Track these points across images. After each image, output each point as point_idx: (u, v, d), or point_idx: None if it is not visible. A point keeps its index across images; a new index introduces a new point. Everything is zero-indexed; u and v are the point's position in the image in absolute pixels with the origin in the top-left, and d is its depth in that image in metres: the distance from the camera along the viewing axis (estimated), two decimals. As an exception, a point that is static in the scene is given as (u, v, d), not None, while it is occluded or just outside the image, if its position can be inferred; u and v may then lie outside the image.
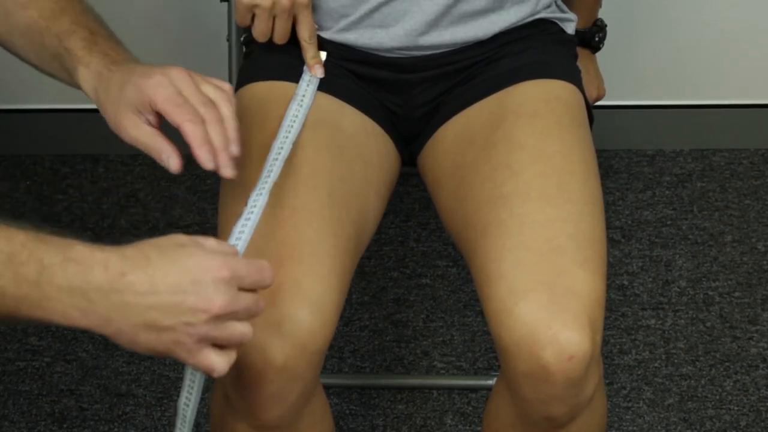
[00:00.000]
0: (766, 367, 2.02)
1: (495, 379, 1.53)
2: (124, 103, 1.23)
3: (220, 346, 1.09)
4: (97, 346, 2.05)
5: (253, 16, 1.48)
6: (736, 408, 1.97)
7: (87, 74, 1.26)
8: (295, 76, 1.52)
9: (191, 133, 1.21)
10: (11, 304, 1.05)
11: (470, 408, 1.97)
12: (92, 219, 2.28)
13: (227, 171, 1.23)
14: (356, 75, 1.55)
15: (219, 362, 1.09)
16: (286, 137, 1.42)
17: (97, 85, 1.26)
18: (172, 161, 1.23)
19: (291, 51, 1.53)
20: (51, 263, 1.04)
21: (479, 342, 2.06)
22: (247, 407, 1.35)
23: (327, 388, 1.74)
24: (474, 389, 2.00)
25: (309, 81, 1.51)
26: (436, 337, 2.07)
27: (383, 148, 1.55)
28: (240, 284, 1.09)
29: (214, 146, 1.22)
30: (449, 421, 1.95)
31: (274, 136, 1.44)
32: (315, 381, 1.39)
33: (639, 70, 2.35)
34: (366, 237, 1.49)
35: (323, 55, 1.54)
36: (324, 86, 1.52)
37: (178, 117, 1.21)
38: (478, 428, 1.94)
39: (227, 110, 1.24)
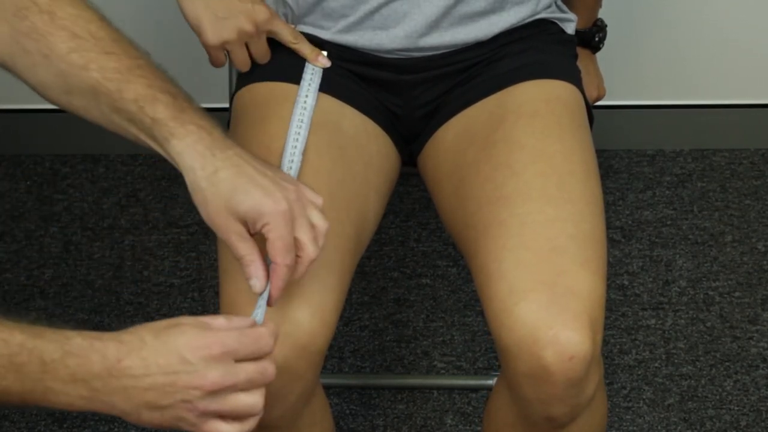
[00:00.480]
0: (766, 367, 2.02)
1: (495, 379, 1.53)
2: (234, 210, 1.21)
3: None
4: (97, 346, 2.05)
5: (228, 52, 1.50)
6: (736, 408, 1.97)
7: (183, 148, 1.22)
8: (295, 76, 1.52)
9: (283, 277, 1.22)
10: (17, 400, 1.09)
11: (470, 408, 1.97)
12: (92, 219, 2.28)
13: (270, 303, 1.24)
14: (356, 75, 1.55)
15: (228, 431, 1.11)
16: (295, 145, 1.42)
17: (198, 167, 1.22)
18: (255, 284, 1.22)
19: (291, 51, 1.53)
20: (51, 359, 1.07)
21: (479, 342, 2.06)
22: (247, 407, 1.35)
23: (327, 388, 1.74)
24: (474, 389, 2.00)
25: (311, 80, 1.51)
26: (436, 337, 2.07)
27: (383, 149, 1.55)
28: (235, 357, 1.10)
29: (276, 285, 1.22)
30: (449, 421, 1.95)
31: (274, 137, 1.44)
32: (315, 381, 1.39)
33: (639, 70, 2.35)
34: (366, 237, 1.49)
35: (323, 53, 1.54)
36: (324, 87, 1.52)
37: (279, 258, 1.21)
38: (478, 428, 1.94)
39: (321, 243, 1.24)
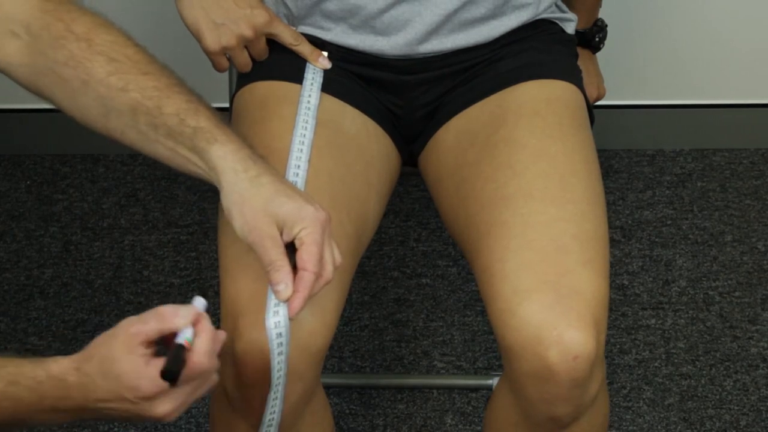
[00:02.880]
0: (766, 367, 2.02)
1: (495, 379, 1.53)
2: (273, 213, 1.23)
3: None
4: (97, 345, 2.05)
5: (228, 57, 1.50)
6: (736, 408, 1.97)
7: (227, 152, 1.25)
8: (295, 75, 1.52)
9: (309, 286, 1.23)
10: (8, 426, 1.19)
11: (470, 408, 1.97)
12: (92, 219, 2.28)
13: (291, 313, 1.24)
14: (357, 76, 1.55)
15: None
16: (301, 149, 1.42)
17: (241, 170, 1.25)
18: (283, 288, 1.23)
19: (291, 50, 1.53)
20: (32, 401, 1.15)
21: (479, 342, 2.06)
22: (247, 407, 1.35)
23: (327, 388, 1.74)
24: (474, 389, 2.00)
25: (312, 80, 1.51)
26: (436, 336, 2.07)
27: (384, 149, 1.55)
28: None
29: (302, 294, 1.23)
30: (449, 421, 1.95)
31: (275, 136, 1.44)
32: (315, 381, 1.39)
33: (639, 70, 2.35)
34: (366, 237, 1.49)
35: (324, 53, 1.54)
36: (325, 87, 1.52)
37: (310, 265, 1.22)
38: (479, 428, 1.94)
39: (339, 261, 1.26)
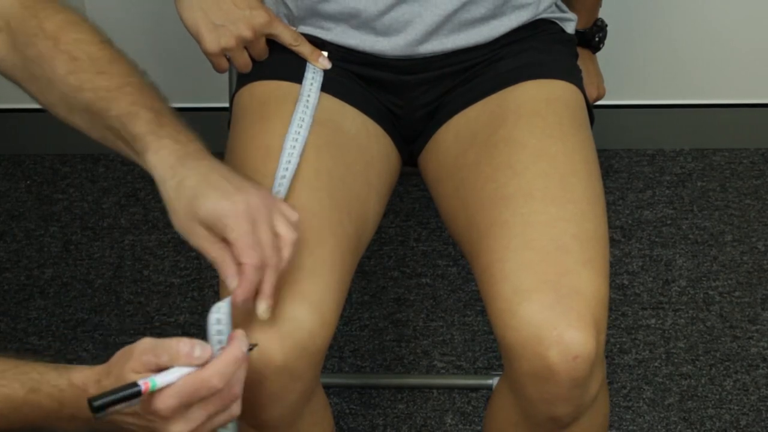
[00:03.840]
0: (766, 367, 2.02)
1: (495, 378, 1.53)
2: (195, 215, 1.23)
3: None
4: (97, 345, 2.05)
5: (228, 58, 1.51)
6: (736, 408, 1.97)
7: (156, 161, 1.25)
8: (295, 75, 1.52)
9: (249, 278, 1.21)
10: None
11: (470, 407, 1.97)
12: (92, 219, 2.29)
13: (265, 314, 1.24)
14: (357, 76, 1.55)
15: None
16: (296, 139, 1.42)
17: (167, 178, 1.24)
18: (230, 281, 1.23)
19: (291, 50, 1.53)
20: (52, 409, 1.17)
21: (479, 341, 2.06)
22: (247, 407, 1.34)
23: (327, 387, 1.74)
24: (474, 389, 2.00)
25: (312, 79, 1.51)
26: (436, 336, 2.07)
27: (384, 149, 1.55)
28: (185, 406, 1.14)
29: (261, 290, 1.23)
30: (449, 421, 1.95)
31: (274, 135, 1.44)
32: (315, 381, 1.39)
33: (639, 70, 2.35)
34: (366, 237, 1.49)
35: (324, 53, 1.54)
36: (325, 87, 1.52)
37: (245, 257, 1.21)
38: (478, 428, 1.94)
39: (287, 253, 1.24)
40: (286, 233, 1.24)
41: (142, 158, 1.26)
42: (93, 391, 1.15)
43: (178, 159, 1.24)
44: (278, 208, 1.25)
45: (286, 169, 1.39)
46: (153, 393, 1.12)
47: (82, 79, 1.28)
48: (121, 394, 1.12)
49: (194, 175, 1.23)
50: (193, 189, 1.22)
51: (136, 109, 1.26)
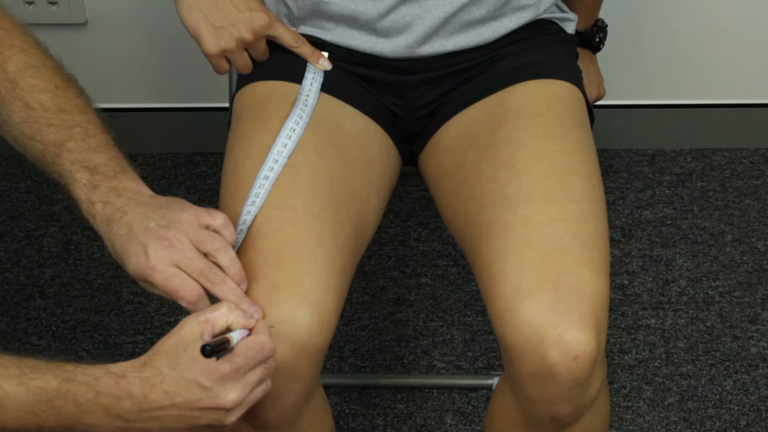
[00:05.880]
0: (766, 367, 2.02)
1: (495, 379, 1.53)
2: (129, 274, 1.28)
3: None
4: (97, 345, 2.05)
5: (228, 59, 1.51)
6: (736, 408, 1.97)
7: (96, 226, 1.30)
8: (295, 76, 1.52)
9: (193, 307, 1.27)
10: None
11: (470, 408, 1.97)
12: (92, 219, 2.28)
13: (257, 313, 1.28)
14: (357, 76, 1.55)
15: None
16: (290, 136, 1.42)
17: (107, 242, 1.30)
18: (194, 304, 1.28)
19: (291, 51, 1.53)
20: (86, 400, 1.17)
21: (479, 341, 2.06)
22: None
23: (327, 387, 1.74)
24: (474, 389, 2.00)
25: (313, 79, 1.51)
26: (436, 336, 2.07)
27: (384, 149, 1.55)
28: (245, 371, 1.20)
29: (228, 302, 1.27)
30: (449, 421, 1.95)
31: (273, 136, 1.44)
32: (315, 381, 1.39)
33: (639, 70, 2.35)
34: (366, 237, 1.49)
35: (324, 54, 1.54)
36: (325, 87, 1.52)
37: (179, 294, 1.26)
38: (479, 428, 1.94)
39: (226, 259, 1.29)
40: (215, 245, 1.28)
41: (84, 213, 1.32)
42: (134, 376, 1.17)
43: (108, 222, 1.29)
44: (199, 224, 1.29)
45: (271, 168, 1.39)
46: (218, 358, 1.17)
47: (33, 130, 1.33)
48: (221, 341, 1.18)
49: (119, 237, 1.28)
50: (119, 254, 1.28)
51: (74, 171, 1.31)
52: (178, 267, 1.26)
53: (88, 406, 1.17)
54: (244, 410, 1.21)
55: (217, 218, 1.30)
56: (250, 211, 1.37)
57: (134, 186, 1.32)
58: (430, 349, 2.05)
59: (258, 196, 1.37)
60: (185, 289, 1.26)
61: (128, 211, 1.29)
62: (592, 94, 1.80)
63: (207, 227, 1.29)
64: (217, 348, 1.17)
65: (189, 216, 1.28)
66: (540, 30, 1.58)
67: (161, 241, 1.26)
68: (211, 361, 1.17)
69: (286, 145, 1.42)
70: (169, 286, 1.25)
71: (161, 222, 1.27)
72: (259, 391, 1.22)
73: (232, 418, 1.20)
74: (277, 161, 1.40)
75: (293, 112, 1.46)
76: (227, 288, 1.27)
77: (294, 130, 1.44)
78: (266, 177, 1.39)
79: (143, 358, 1.20)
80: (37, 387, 1.16)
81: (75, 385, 1.17)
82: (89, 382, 1.17)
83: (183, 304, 1.27)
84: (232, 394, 1.18)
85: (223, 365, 1.18)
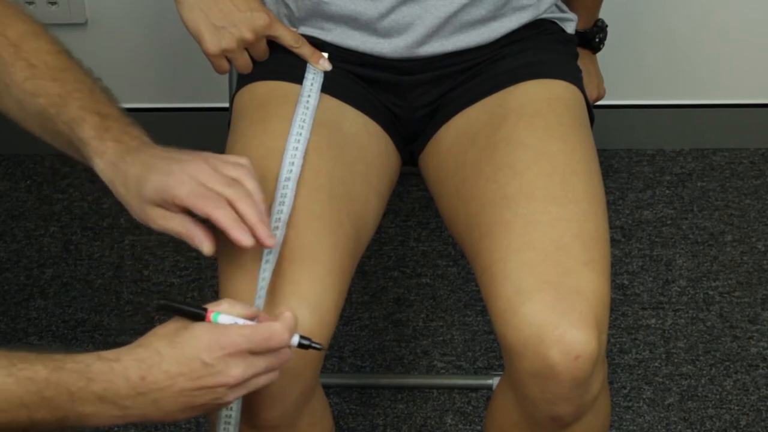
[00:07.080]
0: (766, 367, 2.02)
1: (495, 379, 1.53)
2: (147, 199, 1.25)
3: None
4: (97, 345, 2.05)
5: (228, 59, 1.51)
6: (736, 408, 1.97)
7: (102, 165, 1.28)
8: (295, 76, 1.52)
9: (222, 218, 1.24)
10: (55, 427, 1.16)
11: (470, 407, 1.97)
12: (92, 219, 2.28)
13: (269, 241, 1.26)
14: (357, 76, 1.55)
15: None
16: (297, 146, 1.42)
17: (114, 178, 1.27)
18: (205, 246, 1.26)
19: (291, 51, 1.53)
20: (78, 389, 1.13)
21: (479, 341, 2.06)
22: (247, 407, 1.35)
23: (327, 387, 1.74)
24: (474, 389, 2.00)
25: (313, 80, 1.51)
26: (436, 336, 2.07)
27: (384, 149, 1.55)
28: (252, 351, 1.17)
29: (249, 222, 1.25)
30: (449, 421, 1.95)
31: (274, 136, 1.44)
32: (314, 381, 1.39)
33: (639, 70, 2.35)
34: (366, 238, 1.49)
35: (324, 55, 1.54)
36: (325, 87, 1.52)
37: (204, 207, 1.24)
38: (479, 428, 1.94)
39: (251, 184, 1.27)
40: (235, 172, 1.26)
41: (91, 163, 1.29)
42: (129, 358, 1.14)
43: (120, 157, 1.27)
44: (222, 160, 1.28)
45: (290, 171, 1.39)
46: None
47: (37, 86, 1.31)
48: (188, 308, 1.17)
49: (135, 166, 1.26)
50: (136, 177, 1.25)
51: (83, 114, 1.29)
52: (201, 182, 1.24)
53: (81, 395, 1.13)
54: (245, 392, 1.18)
55: (239, 159, 1.29)
56: (281, 210, 1.36)
57: (147, 138, 1.30)
58: (430, 349, 2.05)
59: (285, 197, 1.37)
60: (206, 201, 1.22)
61: (144, 150, 1.27)
62: (592, 94, 1.80)
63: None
64: (312, 342, 1.19)
65: (209, 154, 1.27)
66: (540, 30, 1.58)
67: (183, 165, 1.24)
68: (214, 335, 1.15)
69: (297, 148, 1.42)
70: (193, 194, 1.23)
71: (186, 155, 1.26)
72: (263, 379, 1.19)
73: (231, 397, 1.17)
74: (292, 168, 1.40)
75: (295, 117, 1.46)
76: (249, 203, 1.24)
77: (300, 134, 1.44)
78: (285, 186, 1.39)
79: (137, 341, 1.16)
80: (26, 378, 1.12)
81: (65, 373, 1.13)
82: (80, 370, 1.13)
83: (196, 236, 1.24)
84: (235, 370, 1.15)
85: (228, 345, 1.15)
